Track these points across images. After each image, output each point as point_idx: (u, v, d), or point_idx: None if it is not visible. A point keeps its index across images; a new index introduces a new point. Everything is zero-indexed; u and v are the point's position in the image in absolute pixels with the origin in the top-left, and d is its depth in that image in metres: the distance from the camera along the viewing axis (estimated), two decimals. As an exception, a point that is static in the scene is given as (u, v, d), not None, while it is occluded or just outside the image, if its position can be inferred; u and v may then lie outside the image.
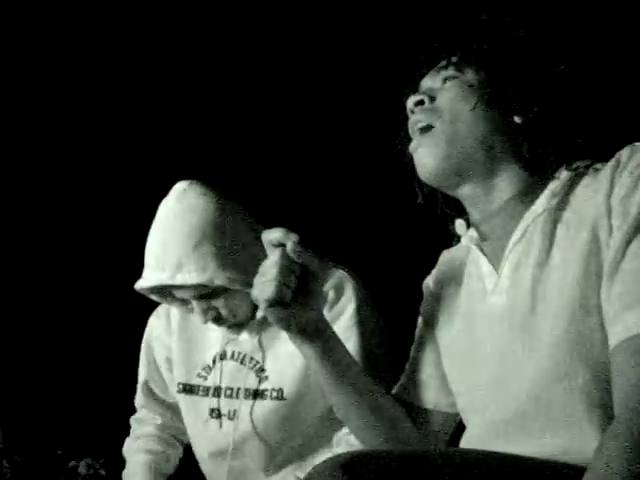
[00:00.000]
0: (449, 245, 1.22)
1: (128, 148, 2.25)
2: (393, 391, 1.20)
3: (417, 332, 1.23)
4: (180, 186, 1.42)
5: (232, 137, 2.21)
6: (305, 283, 1.01)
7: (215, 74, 2.22)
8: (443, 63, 1.08)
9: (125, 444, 1.67)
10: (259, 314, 1.45)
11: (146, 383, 1.64)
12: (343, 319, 1.39)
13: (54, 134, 2.28)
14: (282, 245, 0.99)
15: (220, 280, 1.34)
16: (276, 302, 0.99)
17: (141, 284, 1.41)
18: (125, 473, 1.62)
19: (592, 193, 0.94)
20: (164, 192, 1.45)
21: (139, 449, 1.62)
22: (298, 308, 1.02)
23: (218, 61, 2.21)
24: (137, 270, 1.44)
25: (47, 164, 2.28)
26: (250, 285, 1.35)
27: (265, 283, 0.99)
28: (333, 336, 1.08)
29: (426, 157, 1.05)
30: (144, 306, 1.53)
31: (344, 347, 1.10)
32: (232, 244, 1.38)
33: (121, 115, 2.24)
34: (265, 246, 1.02)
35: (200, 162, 2.03)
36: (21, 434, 2.03)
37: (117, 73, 2.23)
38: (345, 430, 1.40)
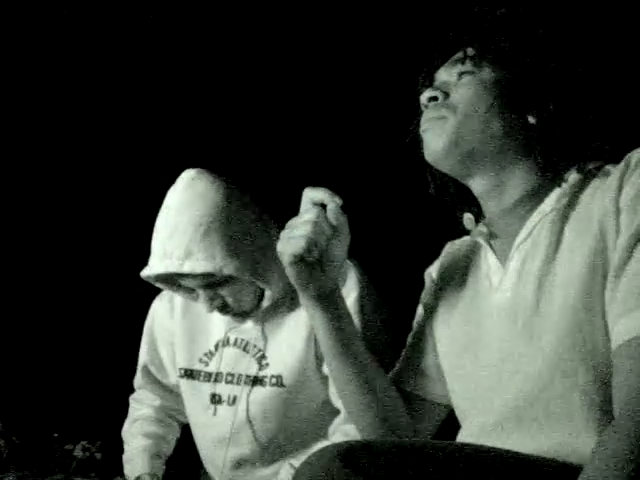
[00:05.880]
0: (451, 236, 1.21)
1: (135, 136, 2.25)
2: (388, 376, 1.20)
3: (416, 321, 1.23)
4: (188, 174, 1.42)
5: (239, 125, 2.20)
6: (331, 249, 1.01)
7: (223, 63, 2.21)
8: (460, 56, 1.07)
9: (124, 426, 1.67)
10: (264, 303, 1.45)
11: (145, 366, 1.64)
12: None
13: (59, 123, 2.27)
14: (322, 206, 0.99)
15: (228, 269, 1.34)
16: (301, 258, 0.99)
17: (148, 272, 1.40)
18: (125, 458, 1.61)
19: (601, 194, 0.94)
20: (170, 180, 1.44)
21: (138, 433, 1.62)
22: (320, 271, 1.02)
23: (226, 49, 2.21)
24: (137, 254, 1.44)
25: (52, 153, 2.28)
26: (258, 275, 1.37)
27: (295, 238, 0.98)
28: (344, 308, 1.09)
29: (434, 140, 1.04)
30: (142, 289, 1.52)
31: (352, 322, 1.10)
32: (240, 233, 1.37)
33: (127, 104, 2.23)
34: (303, 203, 1.02)
35: (207, 151, 2.02)
36: (18, 416, 2.03)
37: (125, 62, 2.22)
38: (339, 419, 1.41)
